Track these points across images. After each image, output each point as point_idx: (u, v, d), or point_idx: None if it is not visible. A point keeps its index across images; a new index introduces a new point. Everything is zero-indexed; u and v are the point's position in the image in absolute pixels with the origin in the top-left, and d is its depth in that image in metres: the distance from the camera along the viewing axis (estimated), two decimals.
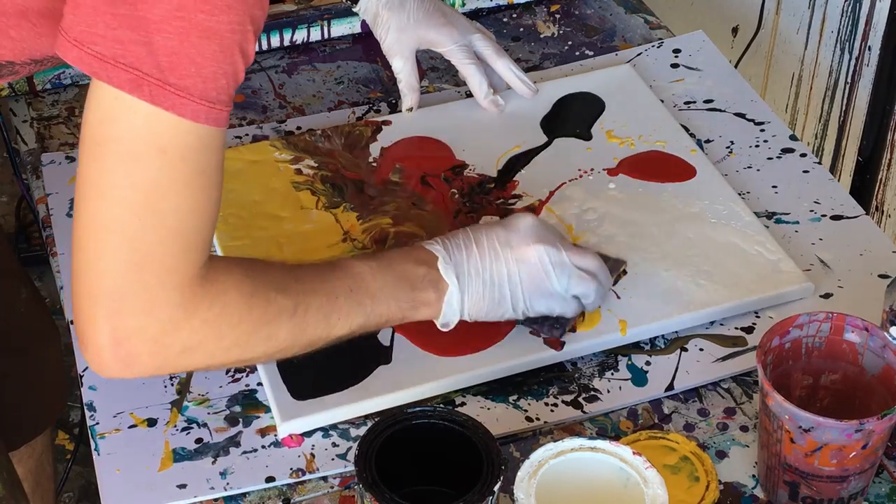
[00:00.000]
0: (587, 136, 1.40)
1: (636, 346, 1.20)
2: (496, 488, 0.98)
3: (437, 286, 1.10)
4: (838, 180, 1.94)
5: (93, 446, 1.12)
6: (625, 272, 1.22)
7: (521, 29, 1.59)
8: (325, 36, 1.56)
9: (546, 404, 1.15)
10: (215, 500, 1.08)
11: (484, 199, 1.32)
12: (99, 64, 0.89)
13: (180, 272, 0.94)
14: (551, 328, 1.16)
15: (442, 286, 1.10)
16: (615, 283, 1.21)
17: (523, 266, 1.12)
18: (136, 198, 0.91)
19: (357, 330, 1.07)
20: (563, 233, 1.20)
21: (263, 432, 1.13)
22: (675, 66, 1.52)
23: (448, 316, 1.11)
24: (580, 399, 1.16)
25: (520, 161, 1.37)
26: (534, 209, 1.31)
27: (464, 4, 1.59)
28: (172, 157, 0.91)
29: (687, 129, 1.42)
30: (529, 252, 1.12)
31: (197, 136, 0.91)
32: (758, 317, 1.22)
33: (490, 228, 1.13)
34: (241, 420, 1.14)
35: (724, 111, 1.46)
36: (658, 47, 1.55)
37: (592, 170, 1.36)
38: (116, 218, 0.92)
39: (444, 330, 1.13)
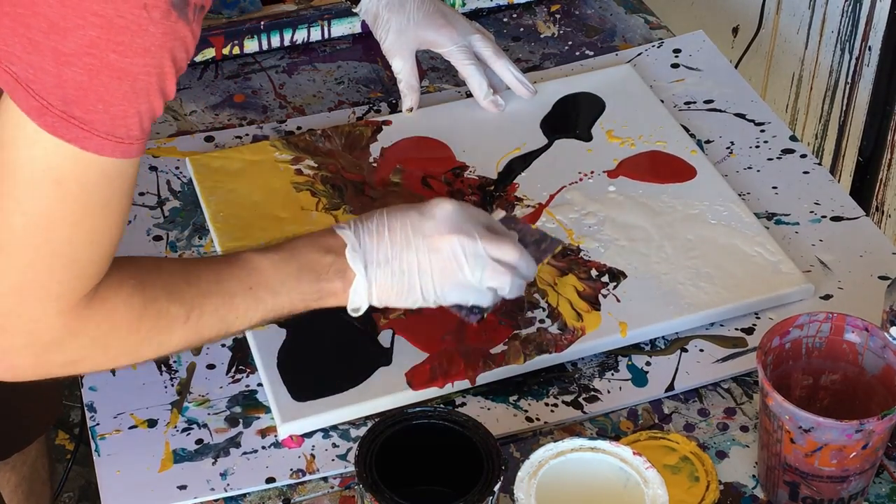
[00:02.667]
0: (587, 137, 1.40)
1: (636, 347, 1.20)
2: (496, 488, 0.98)
3: (344, 275, 1.07)
4: (838, 180, 1.94)
5: (93, 447, 1.12)
6: (561, 248, 1.17)
7: (521, 29, 1.59)
8: (326, 36, 1.56)
9: (546, 404, 1.15)
10: (216, 500, 1.08)
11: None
12: (13, 84, 0.86)
13: (66, 299, 0.92)
14: (469, 313, 1.12)
15: (349, 275, 1.07)
16: (550, 257, 1.17)
17: (435, 256, 1.08)
18: (29, 225, 0.89)
19: (258, 324, 1.06)
20: (487, 219, 1.13)
21: (264, 433, 1.13)
22: (675, 66, 1.52)
23: (355, 303, 1.09)
24: (580, 399, 1.16)
25: (520, 163, 1.37)
26: (534, 213, 1.31)
27: (464, 4, 1.59)
28: (70, 189, 0.88)
29: (687, 130, 1.42)
30: (442, 242, 1.08)
31: (100, 169, 0.89)
32: (758, 318, 1.22)
33: (405, 213, 1.09)
34: (241, 421, 1.14)
35: (725, 111, 1.46)
36: (658, 47, 1.55)
37: (592, 172, 1.36)
38: (9, 241, 0.89)
39: (354, 315, 1.10)
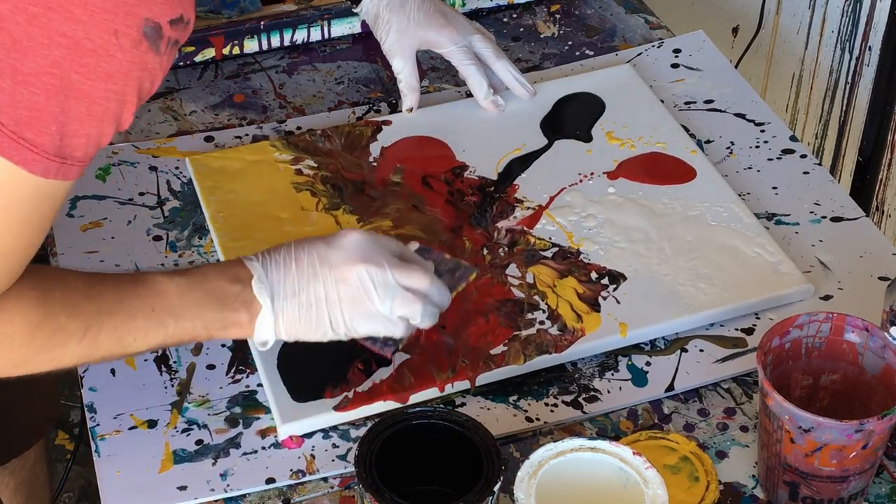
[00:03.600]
0: (587, 138, 1.40)
1: (636, 347, 1.20)
2: (496, 488, 0.98)
3: (250, 307, 1.05)
4: (838, 180, 1.94)
5: (93, 448, 1.12)
6: (474, 277, 1.16)
7: (522, 29, 1.59)
8: (326, 36, 1.56)
9: (546, 404, 1.15)
10: (216, 501, 1.08)
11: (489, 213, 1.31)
12: None
13: None
14: (383, 345, 1.10)
15: (255, 307, 1.05)
16: (459, 287, 1.14)
17: (343, 286, 1.06)
18: None
19: (157, 347, 1.04)
20: (398, 248, 1.11)
21: (264, 433, 1.13)
22: (675, 66, 1.52)
23: (261, 336, 1.07)
24: (580, 399, 1.16)
25: (520, 164, 1.37)
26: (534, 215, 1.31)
27: (464, 4, 1.59)
28: None
29: (687, 130, 1.42)
30: (350, 272, 1.06)
31: (34, 188, 0.88)
32: (758, 318, 1.22)
33: (312, 244, 1.08)
34: (241, 421, 1.14)
35: (725, 111, 1.46)
36: (658, 47, 1.55)
37: (592, 174, 1.35)
38: None
39: (262, 349, 1.08)
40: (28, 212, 0.89)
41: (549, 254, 1.26)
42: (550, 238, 1.28)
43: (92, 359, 1.02)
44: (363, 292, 1.06)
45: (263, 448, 1.12)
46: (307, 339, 1.08)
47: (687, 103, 1.47)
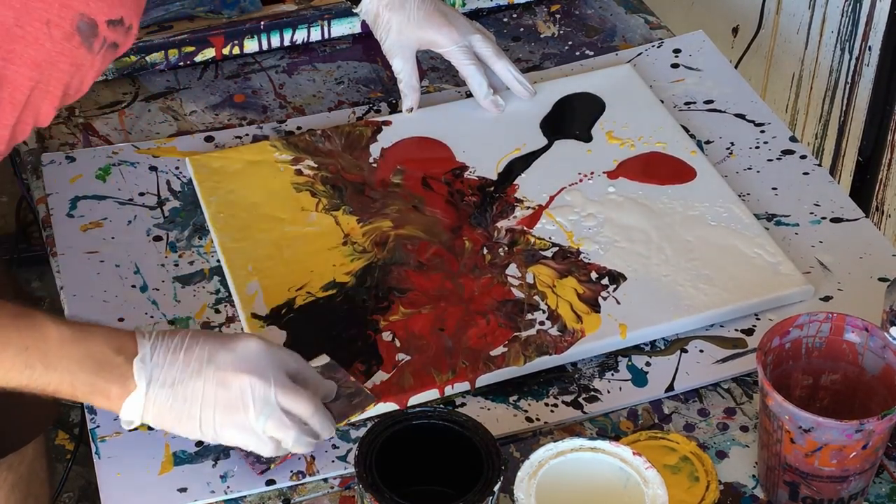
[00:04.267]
0: (587, 138, 1.40)
1: (636, 348, 1.20)
2: (496, 488, 0.98)
3: (125, 382, 1.02)
4: (838, 180, 1.94)
5: (93, 449, 1.12)
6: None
7: (522, 29, 1.59)
8: (326, 36, 1.56)
9: (546, 405, 1.15)
10: (216, 503, 1.08)
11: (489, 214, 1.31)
12: None
13: None
14: (255, 459, 1.08)
15: (129, 385, 1.02)
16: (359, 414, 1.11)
17: (222, 391, 1.03)
18: None
19: (15, 388, 1.01)
20: (298, 366, 1.07)
21: None
22: (675, 66, 1.52)
23: (128, 415, 1.04)
24: (580, 399, 1.16)
25: (520, 164, 1.37)
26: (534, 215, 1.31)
27: (464, 4, 1.59)
28: None
29: (687, 130, 1.42)
30: (234, 379, 1.03)
31: None
32: (758, 319, 1.22)
33: (208, 339, 1.04)
34: None
35: (725, 112, 1.46)
36: (658, 47, 1.55)
37: (592, 173, 1.35)
38: None
39: (127, 428, 1.05)
40: None
41: (549, 253, 1.26)
42: (550, 238, 1.28)
43: None
44: (240, 402, 1.03)
45: None
46: (172, 432, 1.05)
47: (687, 103, 1.47)
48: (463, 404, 1.15)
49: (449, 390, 1.15)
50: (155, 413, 1.03)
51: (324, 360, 1.13)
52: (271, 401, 1.03)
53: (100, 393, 1.02)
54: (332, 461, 1.11)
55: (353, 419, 1.11)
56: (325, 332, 1.19)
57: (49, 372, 1.00)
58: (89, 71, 0.87)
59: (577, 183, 1.34)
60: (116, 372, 1.02)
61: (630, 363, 1.19)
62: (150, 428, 1.13)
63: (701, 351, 1.19)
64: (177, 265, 1.27)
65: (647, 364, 1.18)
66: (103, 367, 1.01)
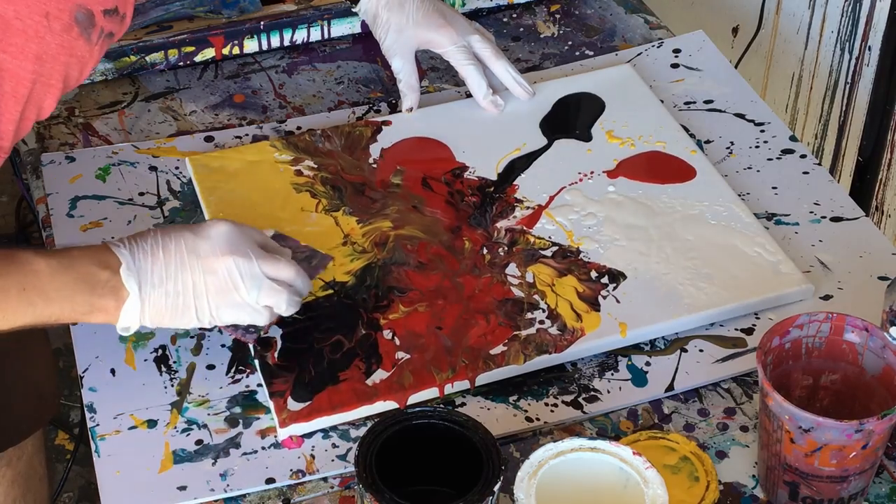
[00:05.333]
0: (587, 137, 1.40)
1: (636, 347, 1.20)
2: (496, 488, 0.98)
3: (118, 294, 1.06)
4: (838, 180, 1.94)
5: (93, 448, 1.12)
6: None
7: (521, 29, 1.59)
8: (325, 36, 1.56)
9: (546, 404, 1.15)
10: (215, 501, 1.08)
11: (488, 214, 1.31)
12: None
13: None
14: (245, 332, 1.13)
15: (122, 294, 1.06)
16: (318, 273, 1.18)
17: (211, 277, 1.08)
18: None
19: (24, 326, 1.04)
20: (261, 238, 1.13)
21: (263, 433, 1.13)
22: (675, 66, 1.52)
23: (125, 322, 1.07)
24: (580, 399, 1.16)
25: (519, 164, 1.37)
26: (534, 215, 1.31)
27: (464, 4, 1.59)
28: None
29: (687, 130, 1.42)
30: (218, 263, 1.08)
31: None
32: (758, 318, 1.22)
33: (179, 233, 1.08)
34: (241, 421, 1.14)
35: (724, 111, 1.46)
36: (658, 47, 1.55)
37: (592, 172, 1.35)
38: None
39: (125, 334, 1.09)
40: None
41: (548, 253, 1.26)
42: (550, 237, 1.28)
43: None
44: (230, 283, 1.08)
45: (263, 448, 1.12)
46: (171, 327, 1.10)
47: (687, 103, 1.47)
48: (463, 404, 1.15)
49: (449, 389, 1.15)
50: (152, 313, 1.07)
51: (270, 232, 1.17)
52: (257, 273, 1.09)
53: (98, 310, 1.06)
54: (332, 460, 1.11)
55: (317, 277, 1.17)
56: (325, 331, 1.19)
57: (49, 304, 1.03)
58: (88, 61, 0.88)
59: (576, 182, 1.34)
60: (108, 286, 1.05)
61: (630, 363, 1.19)
62: (150, 426, 1.13)
63: (701, 350, 1.20)
64: None
65: (647, 364, 1.18)
66: (95, 285, 1.05)
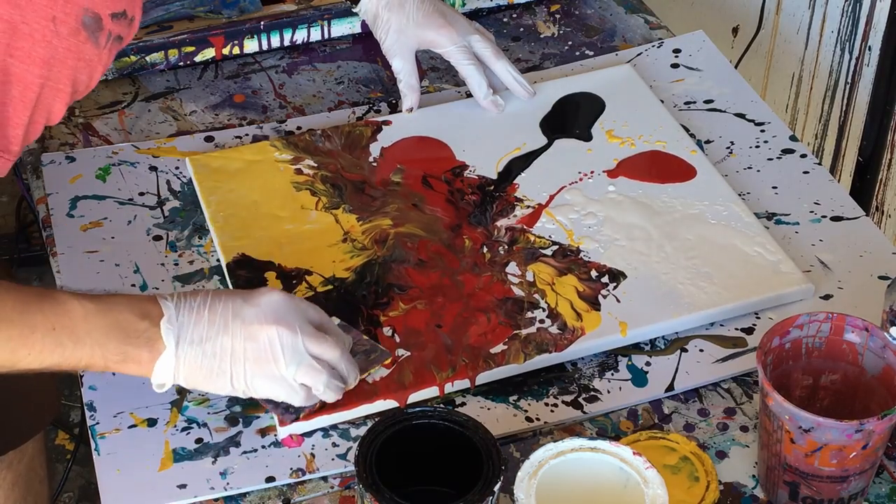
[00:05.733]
0: (587, 137, 1.40)
1: (636, 347, 1.20)
2: (496, 488, 0.98)
3: (153, 346, 1.04)
4: (838, 180, 1.94)
5: (93, 446, 1.12)
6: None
7: (521, 29, 1.59)
8: (325, 36, 1.56)
9: (546, 404, 1.15)
10: (215, 500, 1.08)
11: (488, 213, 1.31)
12: None
13: None
14: (284, 411, 1.10)
15: (158, 346, 1.04)
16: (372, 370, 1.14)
17: (251, 344, 1.05)
18: None
19: (51, 368, 1.02)
20: (319, 317, 1.10)
21: (263, 432, 1.13)
22: (675, 66, 1.52)
23: (160, 378, 1.05)
24: (580, 399, 1.16)
25: (519, 163, 1.37)
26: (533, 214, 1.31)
27: (464, 4, 1.59)
28: None
29: (687, 130, 1.42)
30: (261, 331, 1.05)
31: None
32: (758, 318, 1.22)
33: (230, 296, 1.06)
34: (241, 420, 1.14)
35: (725, 111, 1.46)
36: (658, 47, 1.55)
37: (592, 172, 1.35)
38: None
39: (159, 391, 1.06)
40: None
41: (548, 252, 1.26)
42: (550, 236, 1.28)
43: None
44: (270, 353, 1.05)
45: (263, 447, 1.12)
46: (205, 390, 1.07)
47: (687, 103, 1.47)
48: (463, 404, 1.15)
49: (449, 388, 1.15)
50: (186, 373, 1.04)
51: (336, 320, 1.14)
52: (300, 348, 1.05)
53: (131, 360, 1.03)
54: (332, 460, 1.11)
55: (373, 373, 1.13)
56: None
57: (79, 347, 1.01)
58: (97, 65, 0.88)
59: (577, 182, 1.34)
60: (144, 336, 1.03)
61: (630, 363, 1.19)
62: (150, 425, 1.13)
63: (701, 350, 1.20)
64: (177, 265, 1.27)
65: (647, 364, 1.18)
66: (130, 334, 1.02)
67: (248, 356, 1.05)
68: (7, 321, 0.98)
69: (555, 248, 1.27)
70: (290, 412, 1.10)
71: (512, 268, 1.25)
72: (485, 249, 1.27)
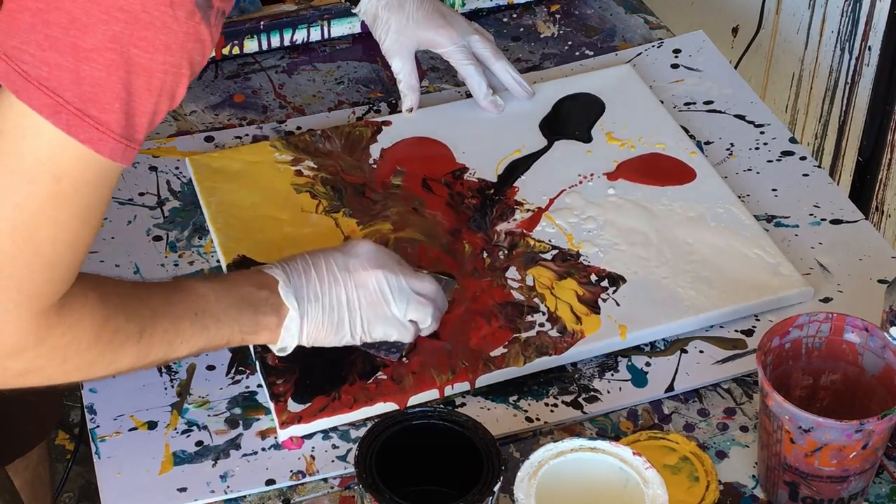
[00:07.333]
0: (587, 139, 1.40)
1: (636, 348, 1.20)
2: (496, 488, 0.98)
3: (279, 311, 1.09)
4: (838, 181, 1.94)
5: (93, 449, 1.12)
6: (457, 288, 1.21)
7: (521, 29, 1.59)
8: (325, 36, 1.56)
9: (546, 405, 1.15)
10: (216, 502, 1.08)
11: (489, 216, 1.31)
12: (22, 83, 0.85)
13: (40, 300, 0.91)
14: (388, 351, 1.15)
15: (283, 311, 1.09)
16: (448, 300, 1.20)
17: (362, 291, 1.11)
18: (18, 220, 0.88)
19: (198, 352, 1.06)
20: (398, 258, 1.17)
21: (264, 434, 1.13)
22: (675, 66, 1.52)
23: (285, 341, 1.10)
24: (580, 399, 1.16)
25: (519, 166, 1.37)
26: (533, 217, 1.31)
27: (464, 4, 1.59)
28: (65, 189, 0.88)
29: (687, 131, 1.42)
30: (368, 277, 1.11)
31: (98, 171, 0.88)
32: (758, 320, 1.22)
33: (328, 253, 1.12)
34: (241, 422, 1.14)
35: (725, 112, 1.46)
36: (658, 47, 1.55)
37: (592, 175, 1.35)
38: None
39: (281, 355, 1.12)
40: (91, 198, 0.90)
41: (548, 256, 1.26)
42: (550, 240, 1.28)
43: (143, 363, 1.02)
44: (380, 296, 1.12)
45: (263, 449, 1.12)
46: (325, 344, 1.12)
47: (687, 104, 1.47)
48: (463, 404, 1.15)
49: (449, 390, 1.15)
50: (309, 329, 1.10)
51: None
52: (405, 287, 1.13)
53: (263, 328, 1.08)
54: (332, 461, 1.11)
55: (448, 301, 1.20)
56: None
57: (220, 327, 1.05)
58: (208, 44, 0.89)
59: (576, 185, 1.34)
60: (268, 304, 1.08)
61: (630, 363, 1.19)
62: (151, 427, 1.13)
63: (701, 351, 1.20)
64: (177, 265, 1.27)
65: (647, 364, 1.19)
66: (257, 305, 1.08)
67: (362, 303, 1.11)
68: (159, 315, 1.01)
69: (554, 252, 1.27)
70: (393, 351, 1.15)
71: (512, 272, 1.25)
72: (485, 254, 1.26)
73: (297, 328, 1.10)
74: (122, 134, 0.88)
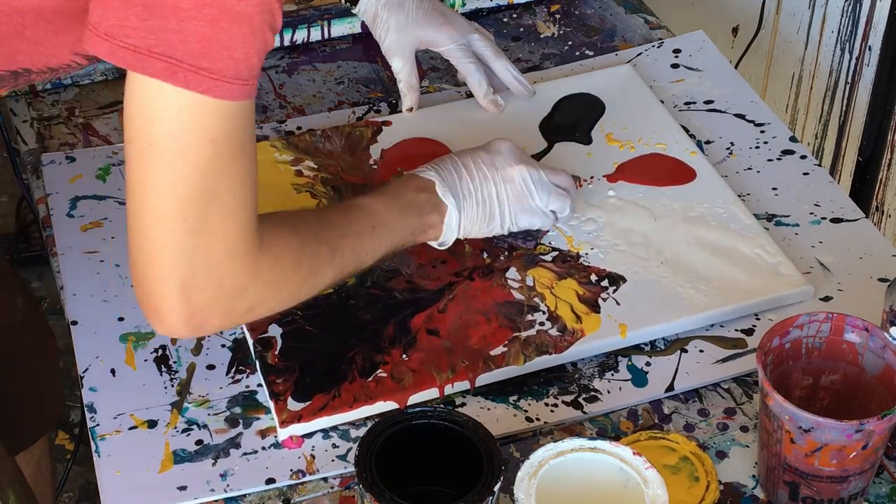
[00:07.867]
0: (587, 140, 1.40)
1: (636, 348, 1.20)
2: (496, 488, 0.98)
3: (439, 209, 1.19)
4: (838, 180, 1.94)
5: (93, 448, 1.12)
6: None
7: (521, 29, 1.59)
8: (326, 36, 1.56)
9: (546, 405, 1.15)
10: (216, 501, 1.08)
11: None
12: (132, 55, 0.92)
13: (242, 243, 0.99)
14: (525, 240, 1.26)
15: (442, 208, 1.19)
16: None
17: (509, 185, 1.22)
18: (194, 188, 0.95)
19: (381, 259, 1.15)
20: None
21: (264, 434, 1.13)
22: (675, 66, 1.52)
23: (447, 236, 1.20)
24: (580, 399, 1.16)
25: None
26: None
27: (464, 4, 1.59)
28: (221, 144, 0.95)
29: (687, 131, 1.42)
30: (513, 172, 1.22)
31: (238, 115, 0.95)
32: (758, 319, 1.22)
33: (473, 153, 1.23)
34: (241, 421, 1.14)
35: (725, 112, 1.46)
36: (658, 47, 1.55)
37: (592, 177, 1.35)
38: (177, 209, 0.95)
39: (441, 248, 1.21)
40: (242, 139, 0.96)
41: (548, 258, 1.26)
42: (550, 243, 1.28)
43: (340, 277, 1.11)
44: (525, 189, 1.23)
45: (263, 448, 1.12)
46: (477, 235, 1.23)
47: (687, 104, 1.47)
48: (463, 404, 1.15)
49: (449, 389, 1.15)
50: (466, 223, 1.21)
51: None
52: (545, 180, 1.24)
53: (429, 227, 1.19)
54: (332, 460, 1.11)
55: None
56: (324, 330, 1.19)
57: (394, 234, 1.16)
58: None
59: (577, 187, 1.34)
60: (429, 204, 1.18)
61: (630, 363, 1.19)
62: (151, 426, 1.13)
63: (701, 351, 1.20)
64: None
65: (647, 364, 1.19)
66: (421, 207, 1.18)
67: (510, 196, 1.22)
68: (344, 235, 1.11)
69: (554, 254, 1.27)
70: (529, 240, 1.27)
71: (512, 273, 1.25)
72: (485, 255, 1.26)
73: (455, 223, 1.20)
74: (236, 76, 0.93)
